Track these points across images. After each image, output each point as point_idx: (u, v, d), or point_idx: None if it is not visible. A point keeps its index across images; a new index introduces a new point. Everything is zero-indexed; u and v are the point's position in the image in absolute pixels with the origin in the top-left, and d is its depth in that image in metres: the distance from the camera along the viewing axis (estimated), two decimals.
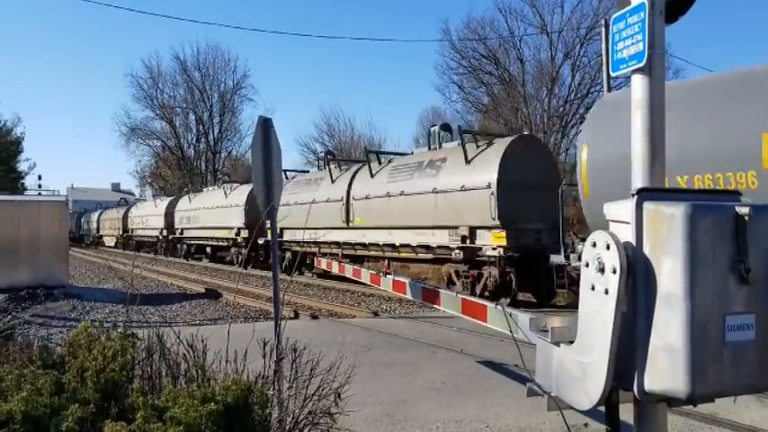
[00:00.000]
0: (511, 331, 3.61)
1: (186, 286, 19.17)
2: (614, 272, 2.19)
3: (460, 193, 14.26)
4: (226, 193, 28.36)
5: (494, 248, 13.46)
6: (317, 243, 19.62)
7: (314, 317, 12.42)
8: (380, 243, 17.16)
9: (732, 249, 2.11)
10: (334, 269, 11.01)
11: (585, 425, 4.72)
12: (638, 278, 2.18)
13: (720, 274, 2.09)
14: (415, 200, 15.64)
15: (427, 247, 15.48)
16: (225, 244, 28.61)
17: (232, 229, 26.80)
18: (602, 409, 2.40)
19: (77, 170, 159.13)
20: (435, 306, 6.55)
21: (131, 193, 76.09)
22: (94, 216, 54.54)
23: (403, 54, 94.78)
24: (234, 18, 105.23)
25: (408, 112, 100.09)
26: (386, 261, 17.28)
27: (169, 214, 35.47)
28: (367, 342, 8.81)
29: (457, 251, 14.31)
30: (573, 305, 12.91)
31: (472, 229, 14.06)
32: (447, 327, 9.80)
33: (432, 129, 18.31)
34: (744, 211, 2.11)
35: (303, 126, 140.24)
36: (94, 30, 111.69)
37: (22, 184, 49.11)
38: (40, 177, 46.95)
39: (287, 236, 21.12)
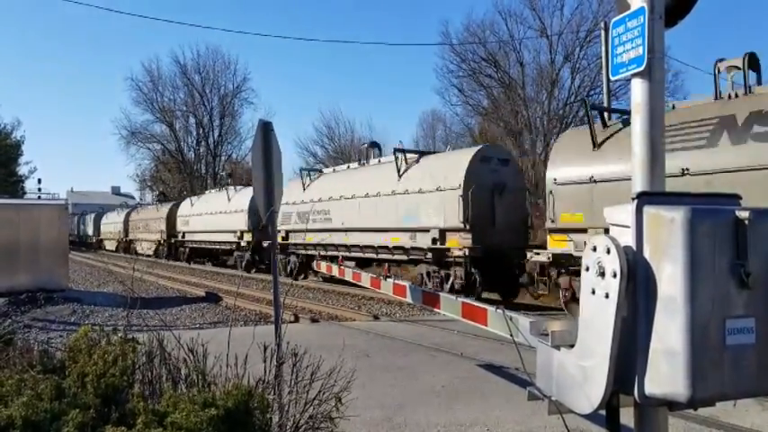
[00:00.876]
0: (511, 335, 3.61)
1: (186, 290, 19.15)
2: (615, 276, 2.18)
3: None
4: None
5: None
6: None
7: (314, 320, 12.43)
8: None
9: (732, 253, 2.11)
10: (334, 272, 11.02)
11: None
12: (638, 282, 2.18)
13: (720, 278, 2.09)
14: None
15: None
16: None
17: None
18: (603, 412, 2.40)
19: (77, 173, 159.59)
20: (435, 309, 6.55)
21: (131, 197, 76.11)
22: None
23: (403, 57, 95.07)
24: (231, 21, 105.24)
25: (409, 114, 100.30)
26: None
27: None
28: (367, 345, 8.80)
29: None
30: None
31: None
32: (447, 330, 9.79)
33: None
34: (743, 215, 2.11)
35: (303, 129, 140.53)
36: (95, 34, 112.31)
37: (23, 187, 48.93)
38: (39, 181, 46.55)
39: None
